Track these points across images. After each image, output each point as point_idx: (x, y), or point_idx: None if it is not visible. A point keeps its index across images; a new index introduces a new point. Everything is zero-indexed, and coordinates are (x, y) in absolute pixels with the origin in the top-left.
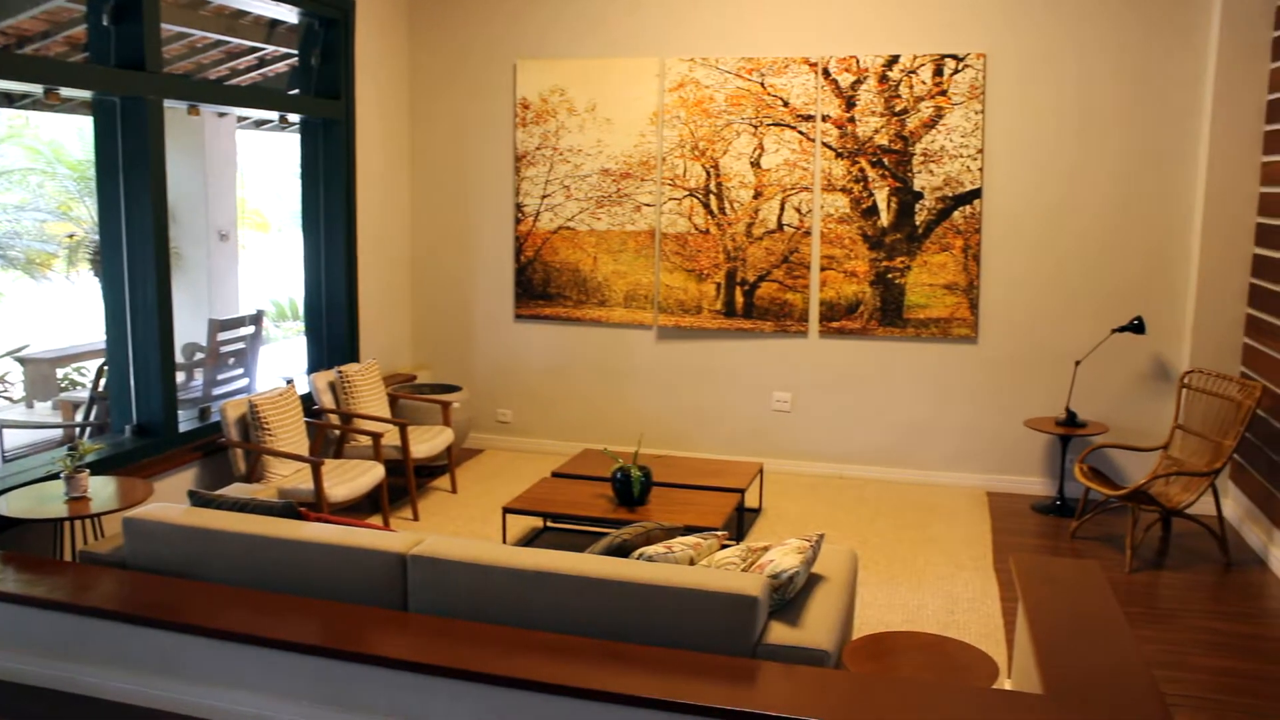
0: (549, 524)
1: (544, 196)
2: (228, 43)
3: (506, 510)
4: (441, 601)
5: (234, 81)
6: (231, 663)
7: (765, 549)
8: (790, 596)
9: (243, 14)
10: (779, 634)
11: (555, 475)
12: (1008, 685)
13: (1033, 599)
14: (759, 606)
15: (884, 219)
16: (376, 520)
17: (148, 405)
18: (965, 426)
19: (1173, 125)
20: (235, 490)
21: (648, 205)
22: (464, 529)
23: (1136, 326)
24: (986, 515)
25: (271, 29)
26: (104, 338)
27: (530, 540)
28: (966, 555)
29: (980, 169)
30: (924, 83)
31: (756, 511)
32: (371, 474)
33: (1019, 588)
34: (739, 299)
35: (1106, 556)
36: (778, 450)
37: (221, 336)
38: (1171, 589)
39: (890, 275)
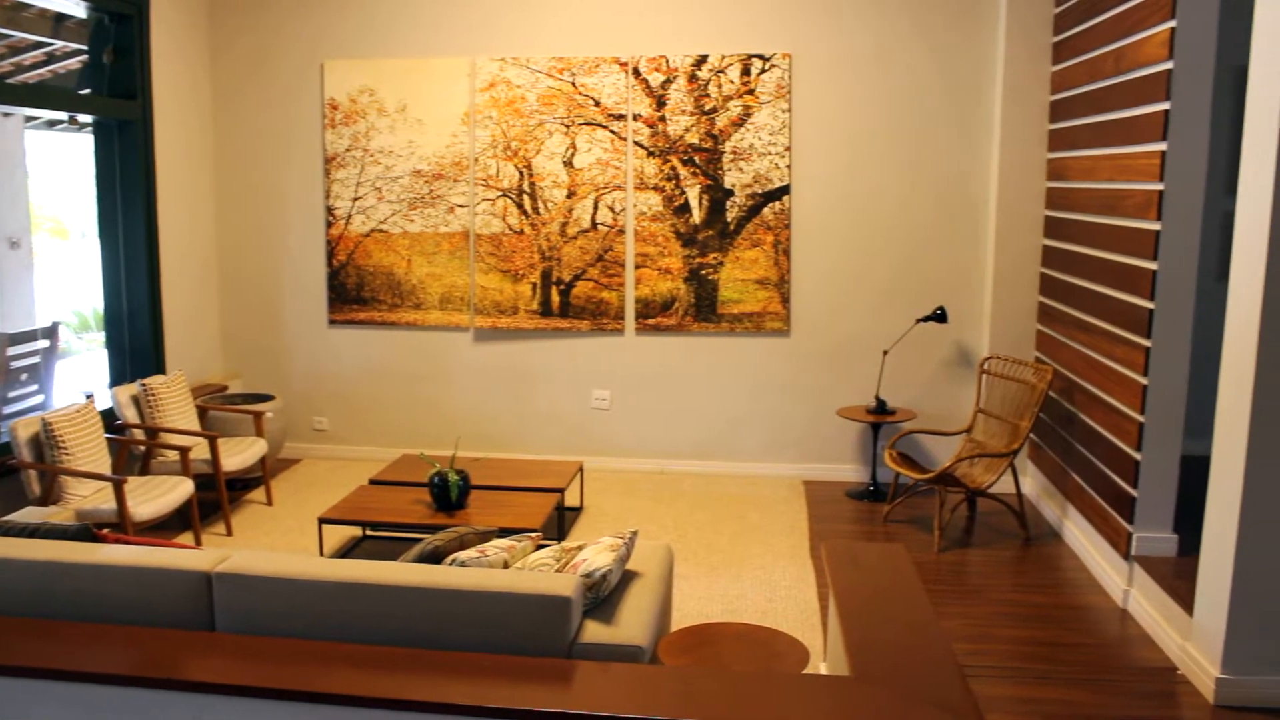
0: (368, 533)
1: (355, 199)
2: (10, 36)
3: (322, 521)
4: (251, 619)
5: (18, 79)
6: (26, 700)
7: (579, 548)
8: (604, 594)
9: (25, 6)
10: (593, 632)
11: (373, 483)
12: (823, 669)
13: (841, 584)
14: (572, 606)
15: (696, 216)
16: (187, 538)
17: None
18: (780, 418)
19: (967, 124)
20: (27, 515)
21: (461, 206)
22: (280, 542)
23: (939, 316)
24: (803, 503)
25: (58, 23)
26: None
27: (349, 550)
28: (784, 544)
29: (788, 166)
30: (732, 82)
31: (577, 510)
32: (179, 490)
33: (828, 574)
34: (555, 299)
35: (917, 537)
36: (598, 448)
37: (12, 351)
38: (977, 565)
39: (704, 271)
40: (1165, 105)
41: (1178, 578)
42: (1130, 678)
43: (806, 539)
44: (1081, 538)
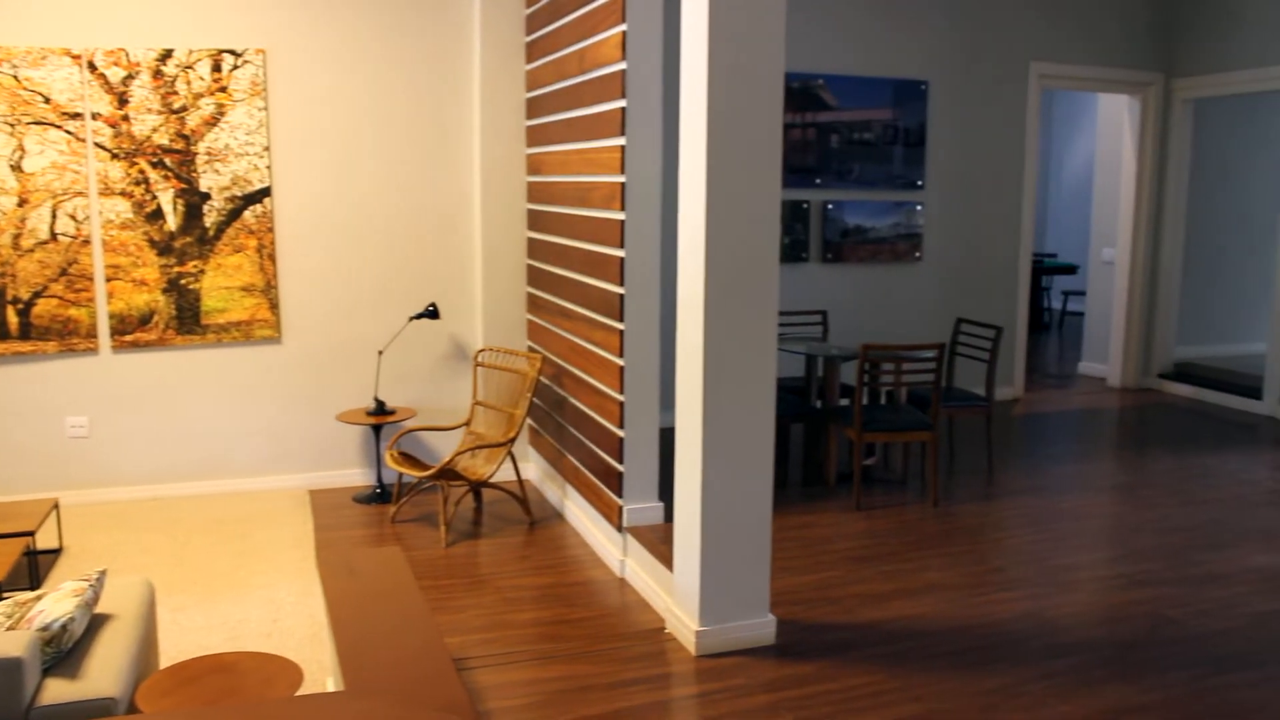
0: None
1: None
2: None
3: None
4: None
5: None
6: None
7: (37, 599)
8: (69, 646)
9: None
10: (56, 691)
11: None
12: (330, 686)
13: (335, 595)
14: (24, 667)
15: (171, 223)
16: None
17: None
18: (279, 428)
19: (451, 120)
20: None
21: None
22: None
23: (431, 313)
24: (309, 514)
25: None
26: None
27: None
28: (289, 558)
29: (269, 167)
30: (203, 79)
31: (56, 553)
32: None
33: (322, 585)
34: (13, 320)
35: (426, 534)
36: (79, 481)
37: None
38: (486, 555)
39: (184, 281)
40: (623, 103)
41: (663, 542)
42: (626, 643)
43: (313, 551)
44: (582, 516)
